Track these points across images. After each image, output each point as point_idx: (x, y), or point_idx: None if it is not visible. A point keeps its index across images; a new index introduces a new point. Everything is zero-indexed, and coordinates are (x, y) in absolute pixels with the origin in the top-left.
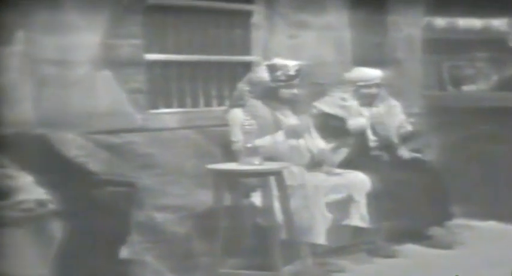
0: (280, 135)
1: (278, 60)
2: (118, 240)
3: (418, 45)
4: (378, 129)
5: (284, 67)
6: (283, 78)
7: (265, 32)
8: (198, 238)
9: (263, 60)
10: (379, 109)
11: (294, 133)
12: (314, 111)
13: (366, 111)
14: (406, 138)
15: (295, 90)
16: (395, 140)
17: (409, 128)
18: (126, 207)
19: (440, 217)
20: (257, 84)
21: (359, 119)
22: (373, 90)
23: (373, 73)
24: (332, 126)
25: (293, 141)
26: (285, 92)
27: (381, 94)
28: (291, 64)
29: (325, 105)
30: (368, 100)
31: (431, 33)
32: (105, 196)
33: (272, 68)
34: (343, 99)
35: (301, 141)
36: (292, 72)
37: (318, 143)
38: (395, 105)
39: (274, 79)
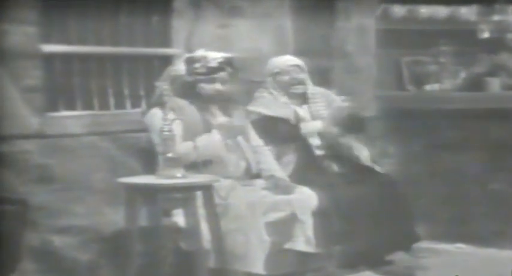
0: (215, 134)
1: (198, 52)
2: (6, 268)
3: (371, 37)
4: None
5: (203, 59)
6: (202, 70)
7: (189, 20)
8: (105, 266)
9: (185, 53)
10: (317, 107)
11: (228, 131)
12: (253, 116)
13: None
14: (347, 125)
15: (218, 86)
16: (346, 141)
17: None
18: (16, 229)
19: (404, 240)
20: (174, 79)
21: (314, 122)
22: (301, 87)
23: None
24: (277, 131)
25: (231, 142)
26: (206, 88)
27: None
28: (213, 56)
29: (264, 107)
30: (297, 99)
31: (388, 23)
32: None
33: (190, 60)
34: (276, 97)
35: (241, 140)
36: (213, 64)
37: (259, 151)
38: (328, 94)
39: (190, 72)
